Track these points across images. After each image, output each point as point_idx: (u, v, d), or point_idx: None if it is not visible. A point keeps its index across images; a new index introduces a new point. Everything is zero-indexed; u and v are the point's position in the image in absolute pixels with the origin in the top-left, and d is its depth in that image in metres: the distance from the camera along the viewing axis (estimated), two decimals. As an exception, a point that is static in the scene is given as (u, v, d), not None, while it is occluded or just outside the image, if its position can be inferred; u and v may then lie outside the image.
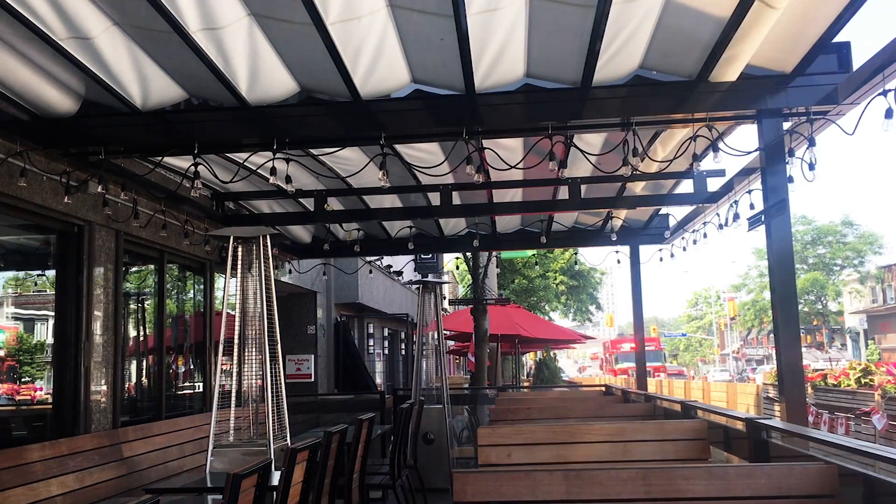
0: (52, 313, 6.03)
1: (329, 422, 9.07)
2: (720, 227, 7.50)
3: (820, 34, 4.24)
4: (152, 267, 7.47)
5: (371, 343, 17.88)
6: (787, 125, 5.22)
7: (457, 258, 25.25)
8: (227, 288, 6.99)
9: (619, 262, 9.86)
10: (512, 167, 5.54)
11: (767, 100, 4.79)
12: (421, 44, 4.41)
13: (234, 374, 5.32)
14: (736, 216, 6.69)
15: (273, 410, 5.17)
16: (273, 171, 5.08)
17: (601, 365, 56.88)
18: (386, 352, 20.59)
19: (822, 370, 15.48)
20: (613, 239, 8.83)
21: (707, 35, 4.21)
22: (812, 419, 12.20)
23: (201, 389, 8.38)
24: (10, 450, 4.52)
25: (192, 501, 5.06)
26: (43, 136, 5.11)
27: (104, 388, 6.16)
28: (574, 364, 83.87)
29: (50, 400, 5.94)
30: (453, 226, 9.51)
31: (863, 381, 12.15)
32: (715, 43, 4.23)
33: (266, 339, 5.26)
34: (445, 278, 23.63)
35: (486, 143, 5.63)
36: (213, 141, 5.35)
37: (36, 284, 6.54)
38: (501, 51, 4.44)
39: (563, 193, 7.34)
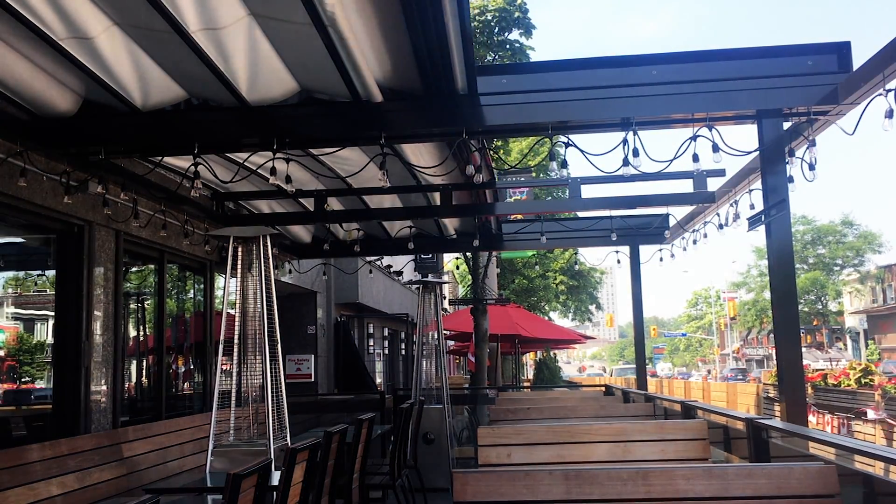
0: (52, 313, 6.03)
1: (329, 422, 9.06)
2: (720, 227, 7.50)
3: (460, 60, 4.39)
4: (152, 267, 7.47)
5: (371, 343, 17.87)
6: (787, 125, 5.23)
7: (457, 258, 25.23)
8: (227, 288, 6.99)
9: (619, 262, 9.87)
10: (513, 167, 5.53)
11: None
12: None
13: (234, 374, 5.32)
14: (736, 216, 6.69)
15: (273, 410, 5.17)
16: (273, 171, 5.08)
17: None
18: (386, 352, 20.57)
19: (822, 370, 15.49)
20: (613, 239, 8.82)
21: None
22: (815, 419, 12.22)
23: (201, 389, 8.38)
24: (10, 450, 4.51)
25: (192, 501, 5.06)
26: (43, 136, 5.11)
27: (104, 388, 6.16)
28: (573, 364, 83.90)
29: (50, 400, 5.94)
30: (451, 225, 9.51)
31: (863, 381, 12.16)
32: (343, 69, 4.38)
33: (266, 339, 5.26)
34: (445, 278, 23.62)
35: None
36: (213, 141, 5.34)
37: (36, 284, 6.54)
38: None
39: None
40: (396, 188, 7.28)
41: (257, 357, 5.33)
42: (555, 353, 22.41)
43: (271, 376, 5.21)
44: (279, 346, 5.38)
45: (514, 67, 5.02)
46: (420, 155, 6.14)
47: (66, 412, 5.83)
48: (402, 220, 8.92)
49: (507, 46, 14.00)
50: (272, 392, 5.18)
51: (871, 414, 10.59)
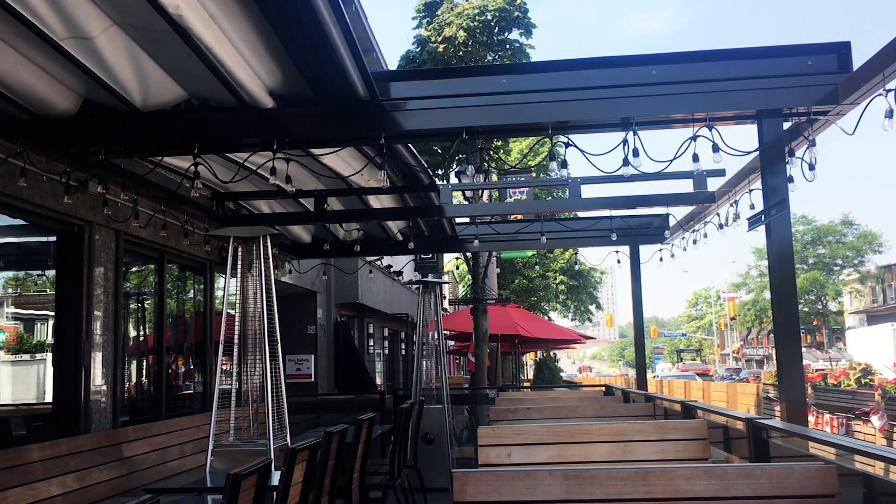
0: (53, 313, 6.03)
1: (329, 422, 9.06)
2: (720, 227, 7.50)
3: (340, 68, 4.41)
4: (152, 267, 7.47)
5: (371, 343, 17.86)
6: (787, 125, 5.23)
7: (457, 258, 25.23)
8: (227, 288, 6.98)
9: (619, 262, 9.87)
10: (513, 167, 5.54)
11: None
12: None
13: (234, 374, 5.32)
14: (736, 216, 6.69)
15: (273, 410, 5.17)
16: (273, 171, 5.08)
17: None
18: (386, 352, 20.57)
19: (822, 370, 15.49)
20: (613, 239, 8.82)
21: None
22: (815, 419, 12.23)
23: (201, 389, 8.38)
24: (10, 450, 4.51)
25: (192, 501, 5.06)
26: (43, 136, 5.11)
27: (104, 388, 6.16)
28: (573, 364, 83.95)
29: (50, 400, 5.94)
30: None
31: (863, 381, 12.17)
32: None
33: (266, 339, 5.25)
34: (445, 278, 23.61)
35: None
36: (213, 141, 5.34)
37: (36, 284, 6.53)
38: None
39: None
40: (396, 188, 7.29)
41: (257, 357, 5.33)
42: (555, 353, 22.39)
43: (271, 376, 5.21)
44: (279, 346, 5.38)
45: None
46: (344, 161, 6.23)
47: (66, 412, 5.83)
48: (403, 219, 8.93)
49: (507, 46, 14.02)
50: (272, 392, 5.18)
51: (875, 421, 10.60)
